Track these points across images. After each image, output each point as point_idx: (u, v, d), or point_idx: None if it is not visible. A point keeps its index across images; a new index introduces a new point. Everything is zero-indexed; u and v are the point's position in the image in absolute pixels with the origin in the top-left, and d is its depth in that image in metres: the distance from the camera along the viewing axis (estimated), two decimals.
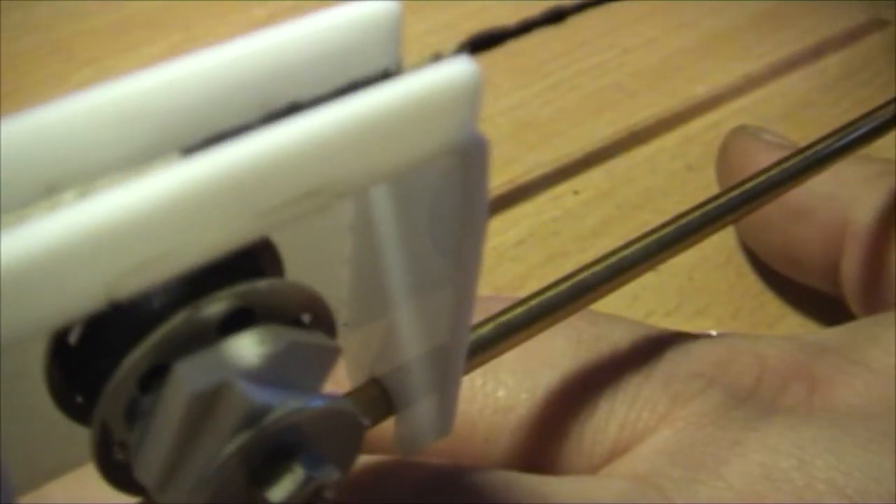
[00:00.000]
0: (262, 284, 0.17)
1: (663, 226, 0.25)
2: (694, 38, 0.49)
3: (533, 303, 0.23)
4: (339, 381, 0.21)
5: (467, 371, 0.22)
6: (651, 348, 0.26)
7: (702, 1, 0.51)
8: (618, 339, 0.26)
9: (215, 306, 0.16)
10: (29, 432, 0.18)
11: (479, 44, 0.17)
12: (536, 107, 0.45)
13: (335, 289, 0.21)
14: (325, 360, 0.17)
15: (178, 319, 0.16)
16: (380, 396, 0.21)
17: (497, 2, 0.48)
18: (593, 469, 0.24)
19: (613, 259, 0.24)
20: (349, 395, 0.21)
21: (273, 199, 0.15)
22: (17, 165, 0.14)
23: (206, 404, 0.16)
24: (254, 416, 0.16)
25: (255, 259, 0.18)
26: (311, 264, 0.19)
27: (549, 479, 0.23)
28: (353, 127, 0.15)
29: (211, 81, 0.16)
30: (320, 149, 0.15)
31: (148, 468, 0.16)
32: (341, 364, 0.22)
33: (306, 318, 0.18)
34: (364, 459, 0.23)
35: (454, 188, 0.17)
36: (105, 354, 0.16)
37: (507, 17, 0.18)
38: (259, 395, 0.16)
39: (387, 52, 0.17)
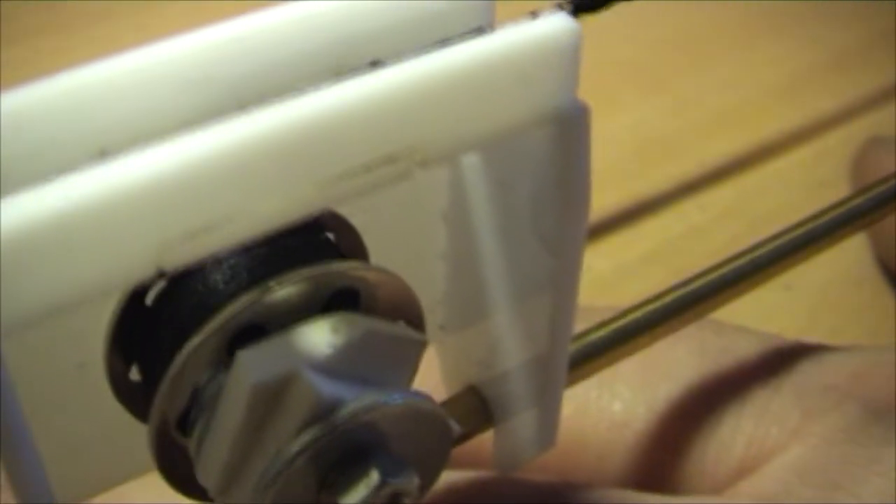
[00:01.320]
0: (339, 266, 0.15)
1: (790, 230, 0.23)
2: (823, 53, 0.47)
3: (648, 308, 0.21)
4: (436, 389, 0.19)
5: (576, 381, 0.20)
6: (781, 360, 0.23)
7: (830, 16, 0.49)
8: (745, 350, 0.24)
9: (285, 289, 0.15)
10: (84, 432, 0.16)
11: (583, 5, 0.15)
12: (661, 123, 0.43)
13: (429, 286, 0.19)
14: (408, 353, 0.15)
15: (244, 302, 0.14)
16: (478, 406, 0.19)
17: None
18: (717, 490, 0.22)
19: (736, 264, 0.22)
20: (445, 403, 0.19)
21: (343, 164, 0.13)
22: (69, 125, 0.13)
23: (272, 396, 0.14)
24: (324, 411, 0.14)
25: (336, 247, 0.16)
26: (401, 256, 0.17)
27: (669, 500, 0.21)
28: (437, 84, 0.13)
29: (282, 41, 0.14)
30: (399, 108, 0.13)
31: (209, 467, 0.15)
32: (437, 370, 0.20)
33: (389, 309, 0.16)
34: (465, 476, 0.21)
35: (553, 163, 0.15)
36: (168, 339, 0.15)
37: None
38: (330, 388, 0.14)
39: (481, 12, 0.15)
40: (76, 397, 0.16)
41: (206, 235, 0.12)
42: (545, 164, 0.15)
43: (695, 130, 0.42)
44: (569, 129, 0.14)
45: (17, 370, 0.15)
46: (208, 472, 0.15)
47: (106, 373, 0.15)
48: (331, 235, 0.16)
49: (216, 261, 0.15)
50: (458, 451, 0.19)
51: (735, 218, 0.38)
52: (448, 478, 0.21)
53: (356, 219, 0.17)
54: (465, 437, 0.19)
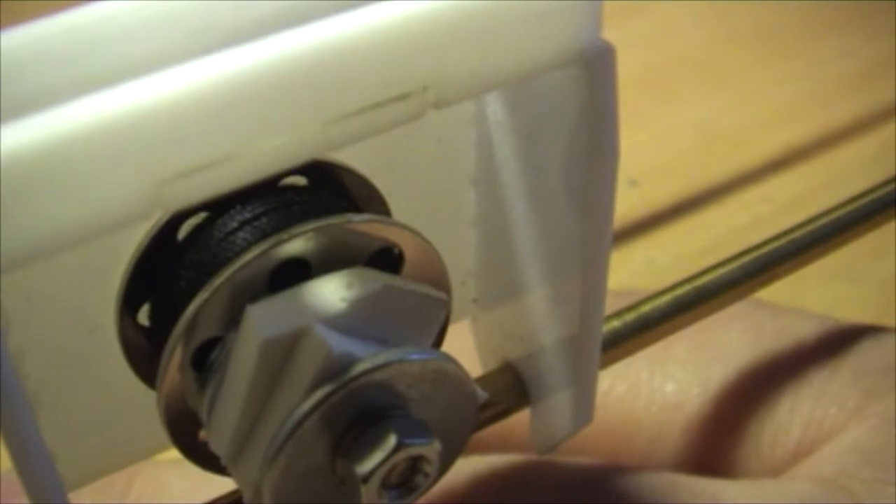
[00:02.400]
0: (354, 219, 0.14)
1: (835, 208, 0.22)
2: (887, 46, 0.45)
3: (692, 286, 0.20)
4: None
5: (613, 360, 0.19)
6: (839, 342, 0.23)
7: (894, 9, 0.48)
8: (802, 331, 0.23)
9: (297, 243, 0.14)
10: (95, 407, 0.16)
11: None
12: (726, 116, 0.42)
13: (460, 254, 0.18)
14: (429, 312, 0.15)
15: (253, 255, 0.14)
16: (514, 384, 0.18)
17: None
18: (774, 472, 0.22)
19: (791, 237, 0.21)
20: (481, 378, 0.19)
21: (350, 100, 0.12)
22: (69, 67, 0.13)
23: (283, 354, 0.13)
24: (336, 369, 0.13)
25: (357, 208, 0.16)
26: (429, 223, 0.17)
27: (724, 482, 0.20)
28: (452, 17, 0.12)
29: None
30: (410, 41, 0.12)
31: (221, 433, 0.14)
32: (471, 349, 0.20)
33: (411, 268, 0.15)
34: (508, 458, 0.20)
35: (578, 110, 0.14)
36: (176, 296, 0.14)
37: None
38: (342, 344, 0.13)
39: None
40: (86, 366, 0.15)
41: (206, 173, 0.12)
42: (571, 111, 0.14)
43: (759, 124, 0.42)
44: (593, 71, 0.13)
45: (27, 338, 0.15)
46: (220, 438, 0.14)
47: (117, 331, 0.15)
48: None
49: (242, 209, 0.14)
50: (489, 434, 0.18)
51: (800, 209, 0.37)
52: (490, 461, 0.20)
53: (379, 181, 0.16)
54: (501, 413, 0.18)
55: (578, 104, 0.14)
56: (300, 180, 0.15)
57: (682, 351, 0.23)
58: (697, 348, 0.23)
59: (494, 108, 0.16)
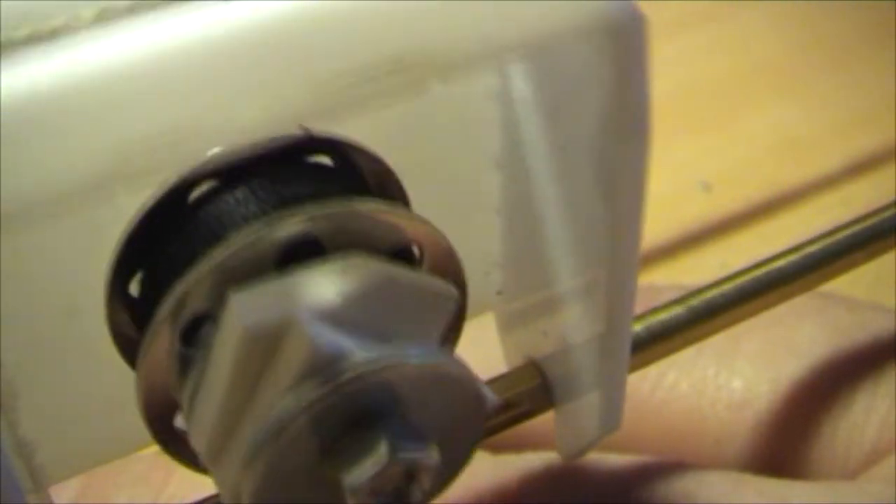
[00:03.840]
0: (354, 205, 0.13)
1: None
2: None
3: (740, 280, 0.18)
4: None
5: (648, 362, 0.18)
6: None
7: None
8: (880, 327, 0.22)
9: (289, 226, 0.13)
10: (79, 393, 0.15)
11: None
12: (800, 122, 0.41)
13: (484, 243, 0.17)
14: (435, 308, 0.13)
15: (243, 238, 0.13)
16: (539, 384, 0.17)
17: None
18: (848, 475, 0.20)
19: (841, 235, 0.19)
20: (503, 377, 0.17)
21: (339, 63, 0.11)
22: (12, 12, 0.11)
23: (266, 345, 0.12)
24: (323, 365, 0.12)
25: (368, 190, 0.14)
26: (451, 207, 0.15)
27: (793, 483, 0.19)
28: None
29: None
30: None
31: (200, 429, 0.13)
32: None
33: (422, 261, 0.14)
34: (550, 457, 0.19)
35: (607, 85, 0.13)
36: (171, 269, 0.13)
37: None
38: (331, 339, 0.12)
39: None
40: (68, 352, 0.14)
41: (175, 140, 0.11)
42: (599, 87, 0.13)
43: (834, 129, 0.41)
44: (621, 41, 0.12)
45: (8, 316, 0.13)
46: (199, 434, 0.13)
47: (106, 305, 0.14)
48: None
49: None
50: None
51: None
52: (545, 457, 0.19)
53: (396, 162, 0.15)
54: (524, 415, 0.17)
55: (606, 79, 0.13)
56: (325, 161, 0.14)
57: (751, 346, 0.21)
58: (768, 343, 0.22)
59: (519, 83, 0.14)
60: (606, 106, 0.13)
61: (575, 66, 0.13)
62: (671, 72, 0.40)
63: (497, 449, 0.20)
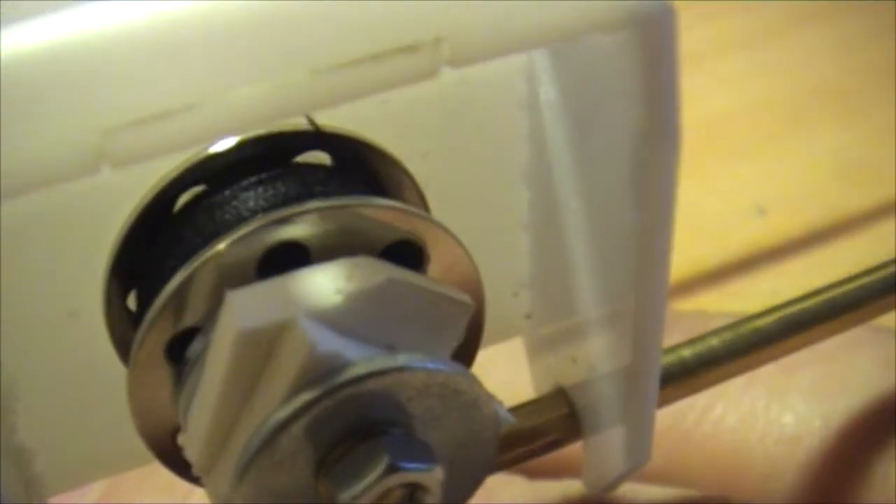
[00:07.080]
0: (361, 203, 0.12)
1: None
2: None
3: (792, 310, 0.17)
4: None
5: (698, 389, 0.17)
6: None
7: None
8: None
9: (293, 226, 0.12)
10: (78, 401, 0.14)
11: None
12: (861, 149, 0.40)
13: (512, 261, 0.16)
14: (446, 317, 0.13)
15: (241, 235, 0.12)
16: (567, 413, 0.16)
17: None
18: None
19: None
20: (529, 404, 0.16)
21: (344, 47, 0.10)
22: None
23: (263, 349, 0.12)
24: (322, 371, 0.11)
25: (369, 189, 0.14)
26: (476, 221, 0.15)
27: None
28: None
29: None
30: None
31: (194, 437, 0.12)
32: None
33: (434, 269, 0.13)
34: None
35: (634, 84, 0.12)
36: (162, 277, 0.12)
37: None
38: (331, 343, 0.11)
39: None
40: (68, 356, 0.14)
41: (162, 124, 0.10)
42: (627, 89, 0.12)
43: (894, 156, 0.39)
44: (649, 35, 0.11)
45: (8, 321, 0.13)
46: (193, 444, 0.12)
47: (104, 314, 0.13)
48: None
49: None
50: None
51: None
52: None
53: (417, 170, 0.14)
54: (551, 445, 0.16)
55: (634, 79, 0.12)
56: (324, 159, 0.14)
57: (804, 380, 0.21)
58: (821, 377, 0.21)
59: (547, 89, 0.14)
60: (635, 108, 0.12)
61: (603, 68, 0.12)
62: (729, 92, 0.39)
63: (533, 474, 0.19)
